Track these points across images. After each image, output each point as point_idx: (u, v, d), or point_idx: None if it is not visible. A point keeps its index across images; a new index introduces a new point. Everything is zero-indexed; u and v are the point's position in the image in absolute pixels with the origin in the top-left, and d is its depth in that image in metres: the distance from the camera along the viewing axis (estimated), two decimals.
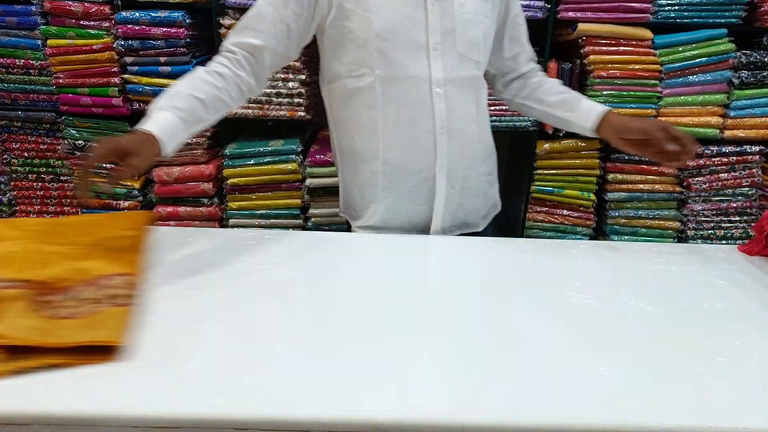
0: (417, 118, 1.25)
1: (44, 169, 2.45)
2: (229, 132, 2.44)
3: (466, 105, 1.30)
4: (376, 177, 1.32)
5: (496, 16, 1.32)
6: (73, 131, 2.34)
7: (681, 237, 2.51)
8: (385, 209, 1.35)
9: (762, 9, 2.21)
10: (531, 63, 1.46)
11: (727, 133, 2.33)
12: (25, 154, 2.43)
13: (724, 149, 2.36)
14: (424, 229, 1.37)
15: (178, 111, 1.08)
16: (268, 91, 2.29)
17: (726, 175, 2.40)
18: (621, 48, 2.24)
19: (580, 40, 2.27)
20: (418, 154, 1.28)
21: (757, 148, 2.36)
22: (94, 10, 2.17)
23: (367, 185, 1.34)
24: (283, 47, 1.23)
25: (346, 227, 1.48)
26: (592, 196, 2.46)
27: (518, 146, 2.75)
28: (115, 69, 2.24)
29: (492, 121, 2.36)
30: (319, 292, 1.08)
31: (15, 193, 2.49)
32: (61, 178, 2.46)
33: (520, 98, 1.45)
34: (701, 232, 2.48)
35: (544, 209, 2.52)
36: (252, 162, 2.33)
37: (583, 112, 1.32)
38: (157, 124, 1.06)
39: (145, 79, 2.24)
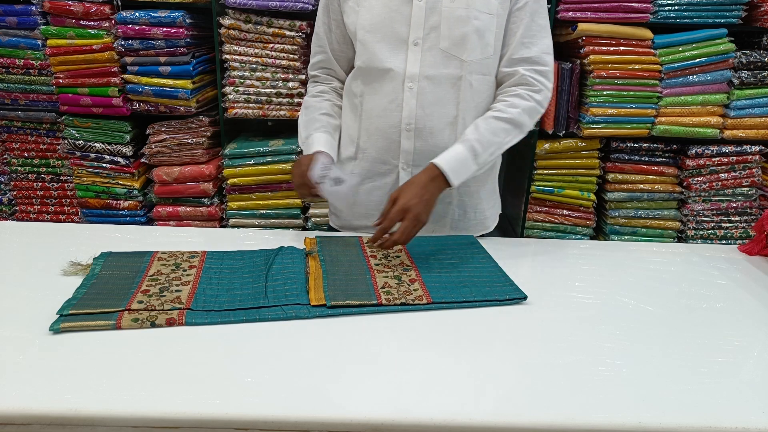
0: (388, 110, 1.27)
1: (44, 169, 2.45)
2: (229, 132, 2.44)
3: (444, 105, 1.24)
4: (349, 163, 1.36)
5: (504, 11, 1.22)
6: (73, 131, 2.34)
7: (681, 237, 2.51)
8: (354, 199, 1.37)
9: (762, 9, 2.21)
10: (518, 67, 1.26)
11: (727, 133, 2.33)
12: (25, 154, 2.43)
13: (724, 149, 2.36)
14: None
15: (320, 129, 1.34)
16: (268, 91, 2.29)
17: (726, 175, 2.40)
18: (621, 48, 2.24)
19: (580, 40, 2.27)
20: (385, 147, 1.30)
21: (757, 148, 2.36)
22: (94, 10, 2.17)
23: (340, 168, 1.38)
24: (343, 51, 1.37)
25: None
26: (592, 196, 2.46)
27: (518, 146, 2.73)
28: (115, 69, 2.24)
29: None
30: None
31: (15, 193, 2.49)
32: (61, 178, 2.46)
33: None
34: (701, 232, 2.48)
35: (544, 209, 2.52)
36: (252, 162, 2.33)
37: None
38: (318, 144, 1.30)
39: (145, 79, 2.24)
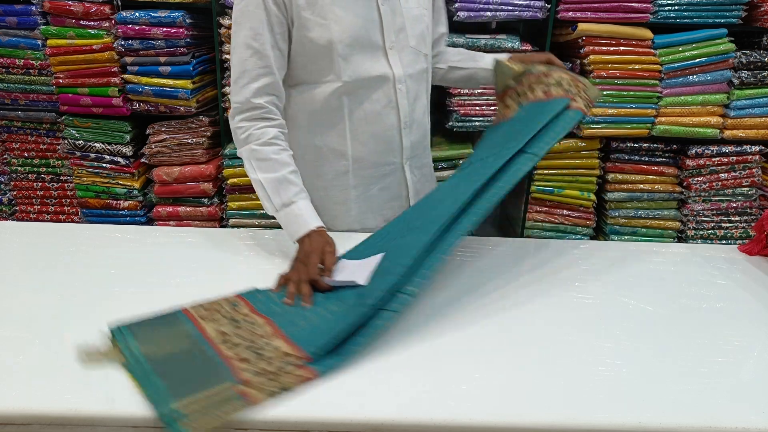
0: (383, 115, 1.29)
1: (44, 169, 2.45)
2: (229, 132, 2.44)
3: (422, 98, 1.37)
4: (344, 177, 1.33)
5: (430, 5, 1.37)
6: (73, 131, 2.34)
7: (681, 237, 2.51)
8: (358, 209, 1.36)
9: (762, 9, 2.21)
10: (442, 39, 1.50)
11: (727, 133, 2.33)
12: (25, 154, 2.43)
13: (724, 149, 2.36)
14: None
15: (300, 193, 1.19)
16: None
17: (726, 175, 2.40)
18: (621, 48, 2.24)
19: (580, 40, 2.27)
20: (385, 149, 1.33)
21: (757, 148, 2.36)
22: (94, 10, 2.17)
23: (332, 187, 1.34)
24: (285, 68, 1.26)
25: None
26: (592, 196, 2.46)
27: None
28: (115, 69, 2.24)
29: (491, 121, 2.40)
30: None
31: (15, 193, 2.49)
32: (61, 178, 2.46)
33: (434, 68, 1.48)
34: (701, 232, 2.48)
35: (544, 209, 2.52)
36: None
37: (489, 59, 1.42)
38: (310, 217, 1.16)
39: (145, 79, 2.24)
